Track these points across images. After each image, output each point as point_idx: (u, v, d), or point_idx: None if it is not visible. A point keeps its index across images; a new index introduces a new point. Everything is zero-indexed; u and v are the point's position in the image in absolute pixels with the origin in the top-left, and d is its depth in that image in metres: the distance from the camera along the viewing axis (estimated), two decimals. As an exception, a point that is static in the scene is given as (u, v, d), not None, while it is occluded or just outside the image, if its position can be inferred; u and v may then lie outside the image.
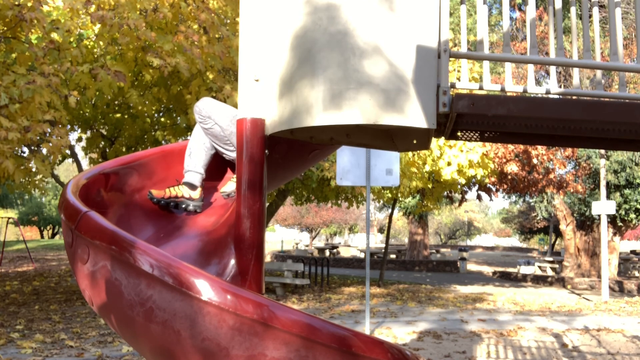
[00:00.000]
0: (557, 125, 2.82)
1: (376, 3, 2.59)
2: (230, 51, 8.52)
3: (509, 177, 14.91)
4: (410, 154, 12.18)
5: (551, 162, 14.99)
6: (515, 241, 53.11)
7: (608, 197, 17.10)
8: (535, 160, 14.30)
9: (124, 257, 2.28)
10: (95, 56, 9.23)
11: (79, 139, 12.65)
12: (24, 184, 10.21)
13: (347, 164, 8.53)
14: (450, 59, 2.72)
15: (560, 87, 13.83)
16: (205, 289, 2.12)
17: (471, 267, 27.49)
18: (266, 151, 2.87)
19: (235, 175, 3.15)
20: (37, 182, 10.18)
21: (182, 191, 3.17)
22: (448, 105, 2.61)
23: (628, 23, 14.92)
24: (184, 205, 3.16)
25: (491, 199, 17.41)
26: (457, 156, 12.49)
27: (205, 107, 3.23)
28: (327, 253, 28.90)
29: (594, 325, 9.69)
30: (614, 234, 19.67)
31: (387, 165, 8.56)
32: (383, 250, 19.26)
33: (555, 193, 16.96)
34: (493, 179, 14.93)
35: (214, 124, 3.22)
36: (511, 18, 19.34)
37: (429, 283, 18.57)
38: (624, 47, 14.81)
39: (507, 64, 2.88)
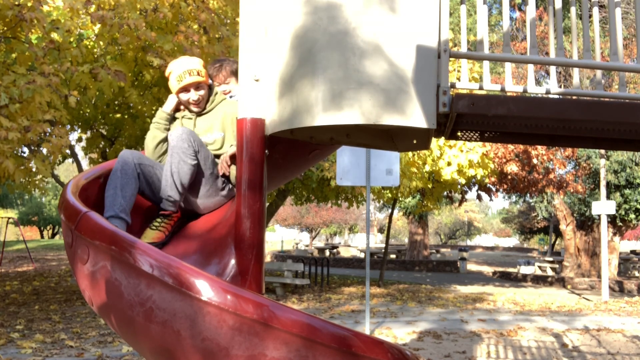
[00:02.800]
0: (557, 125, 2.82)
1: (376, 3, 2.59)
2: (230, 51, 8.52)
3: (509, 177, 14.91)
4: (410, 154, 12.17)
5: (551, 162, 14.99)
6: (515, 241, 53.10)
7: (608, 197, 17.09)
8: (535, 160, 14.30)
9: (123, 257, 2.27)
10: (96, 56, 9.22)
11: (79, 139, 12.64)
12: (24, 184, 10.20)
13: (347, 164, 8.53)
14: (450, 59, 2.72)
15: (560, 87, 13.82)
16: (205, 289, 2.12)
17: (471, 267, 27.49)
18: (266, 151, 2.87)
19: (157, 221, 2.97)
20: (37, 182, 10.17)
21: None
22: (448, 105, 2.61)
23: (628, 23, 14.92)
24: None
25: (491, 199, 17.41)
26: (457, 156, 12.48)
27: (197, 139, 2.95)
28: (327, 253, 28.90)
29: (594, 325, 9.69)
30: (614, 234, 19.66)
31: (387, 165, 8.55)
32: (383, 250, 19.25)
33: (555, 193, 16.96)
34: (493, 179, 14.93)
35: (197, 162, 2.95)
36: (511, 18, 19.34)
37: (429, 283, 18.57)
38: (624, 47, 14.81)
39: (507, 64, 2.88)
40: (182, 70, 3.09)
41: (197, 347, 2.11)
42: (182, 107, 3.22)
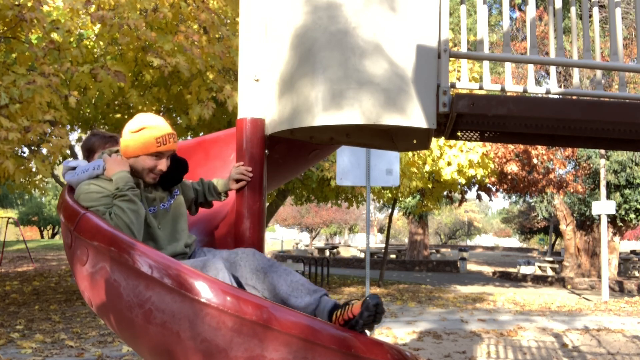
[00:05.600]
0: (557, 125, 2.82)
1: (376, 3, 2.58)
2: (230, 51, 8.51)
3: (509, 177, 14.90)
4: (410, 154, 12.17)
5: (551, 162, 14.98)
6: (515, 241, 53.09)
7: (608, 197, 17.08)
8: (535, 160, 14.29)
9: (123, 258, 2.27)
10: (96, 56, 9.21)
11: (79, 139, 12.64)
12: (24, 184, 10.20)
13: (347, 164, 8.52)
14: (450, 59, 2.72)
15: (560, 87, 13.81)
16: (204, 290, 2.11)
17: (471, 267, 27.48)
18: (266, 151, 2.87)
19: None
20: (37, 182, 10.16)
21: None
22: (448, 105, 2.61)
23: (628, 23, 14.91)
24: None
25: (491, 199, 17.40)
26: (457, 156, 12.48)
27: None
28: (327, 253, 28.89)
29: (594, 325, 9.68)
30: (614, 234, 19.65)
31: (387, 165, 8.55)
32: (383, 250, 19.25)
33: (555, 193, 16.95)
34: (493, 179, 14.92)
35: None
36: (511, 18, 19.33)
37: (429, 283, 18.56)
38: (624, 47, 14.80)
39: (507, 64, 2.88)
40: (166, 132, 2.60)
41: (197, 348, 2.11)
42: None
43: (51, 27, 7.69)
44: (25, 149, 10.58)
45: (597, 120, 2.71)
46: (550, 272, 21.48)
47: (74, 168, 2.73)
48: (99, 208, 2.48)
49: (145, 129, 2.57)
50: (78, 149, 13.80)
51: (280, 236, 44.17)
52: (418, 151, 8.39)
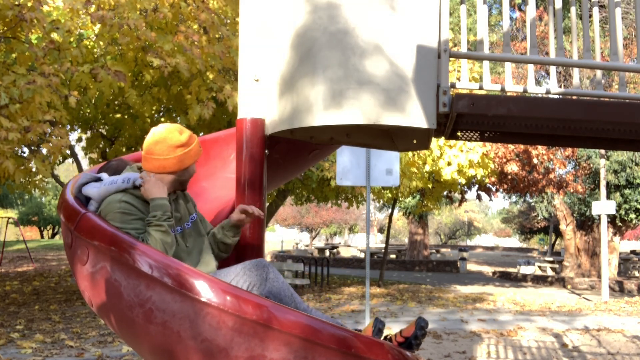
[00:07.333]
0: (557, 125, 2.82)
1: (377, 3, 2.58)
2: (230, 51, 8.51)
3: (509, 177, 14.90)
4: (410, 154, 12.17)
5: (551, 162, 14.98)
6: (515, 241, 53.07)
7: (608, 197, 17.07)
8: (535, 160, 14.29)
9: (123, 258, 2.27)
10: (96, 56, 9.21)
11: (79, 139, 12.65)
12: (24, 184, 10.20)
13: (347, 164, 8.52)
14: (450, 59, 2.72)
15: (560, 87, 13.81)
16: (204, 290, 2.12)
17: (471, 267, 27.47)
18: (266, 151, 2.87)
19: None
20: (37, 182, 10.16)
21: None
22: (448, 105, 2.61)
23: (628, 23, 14.91)
24: None
25: (491, 199, 17.39)
26: (457, 156, 12.48)
27: None
28: (327, 253, 28.87)
29: (594, 325, 9.68)
30: (614, 234, 19.64)
31: (387, 165, 8.54)
32: (383, 250, 19.24)
33: (555, 193, 16.95)
34: (493, 179, 14.92)
35: None
36: (511, 18, 19.32)
37: (429, 283, 18.56)
38: (624, 47, 14.80)
39: (507, 64, 2.88)
40: (195, 136, 2.67)
41: (197, 348, 2.11)
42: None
43: (51, 27, 7.69)
44: (25, 149, 10.58)
45: (597, 120, 2.72)
46: (550, 272, 21.47)
47: (98, 180, 2.63)
48: (130, 232, 2.41)
49: (193, 138, 2.61)
50: (78, 149, 13.80)
51: (280, 236, 44.17)
52: (418, 151, 8.39)
